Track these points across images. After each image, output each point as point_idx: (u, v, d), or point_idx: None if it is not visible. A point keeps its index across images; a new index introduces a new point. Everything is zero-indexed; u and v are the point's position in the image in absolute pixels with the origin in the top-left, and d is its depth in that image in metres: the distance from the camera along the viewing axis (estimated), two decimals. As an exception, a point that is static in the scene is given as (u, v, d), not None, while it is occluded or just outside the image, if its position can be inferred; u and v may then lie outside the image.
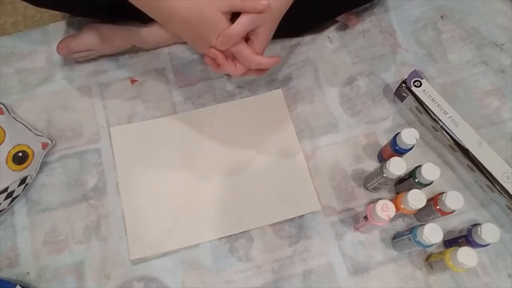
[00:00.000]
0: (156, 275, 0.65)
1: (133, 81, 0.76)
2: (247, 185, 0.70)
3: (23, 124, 0.69)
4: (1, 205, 0.64)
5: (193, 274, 0.65)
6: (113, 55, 0.77)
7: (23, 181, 0.66)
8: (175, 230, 0.67)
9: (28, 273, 0.64)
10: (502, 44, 0.82)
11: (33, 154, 0.67)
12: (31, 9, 0.81)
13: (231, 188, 0.70)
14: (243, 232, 0.67)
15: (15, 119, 0.69)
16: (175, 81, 0.77)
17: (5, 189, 0.64)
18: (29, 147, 0.67)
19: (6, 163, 0.65)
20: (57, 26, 0.79)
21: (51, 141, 0.69)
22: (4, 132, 0.66)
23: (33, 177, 0.67)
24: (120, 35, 0.73)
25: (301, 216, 0.69)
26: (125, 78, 0.76)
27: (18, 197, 0.66)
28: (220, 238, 0.67)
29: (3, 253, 0.65)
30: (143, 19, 0.73)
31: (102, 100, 0.74)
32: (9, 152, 0.65)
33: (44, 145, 0.69)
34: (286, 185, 0.70)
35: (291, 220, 0.69)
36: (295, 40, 0.81)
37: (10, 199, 0.65)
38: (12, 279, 0.63)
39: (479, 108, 0.77)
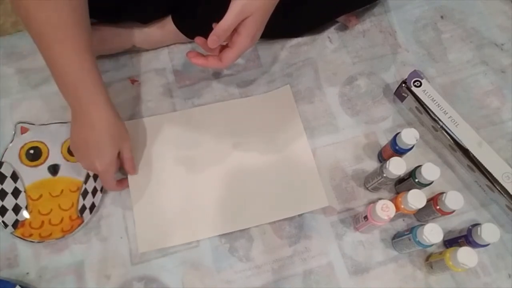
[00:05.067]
0: (156, 275, 0.65)
1: (133, 81, 0.76)
2: (255, 181, 0.70)
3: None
4: (98, 190, 0.68)
5: (193, 274, 0.65)
6: (113, 55, 0.77)
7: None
8: (183, 224, 0.67)
9: (28, 273, 0.64)
10: (502, 44, 0.82)
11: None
12: (31, 9, 0.80)
13: (240, 184, 0.70)
14: (243, 232, 0.67)
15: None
16: (175, 81, 0.77)
17: (88, 175, 0.69)
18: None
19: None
20: (57, 26, 0.79)
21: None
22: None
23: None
24: (120, 35, 0.73)
25: (301, 216, 0.69)
26: (125, 78, 0.76)
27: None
28: (221, 239, 0.67)
29: (2, 253, 0.65)
30: (143, 19, 0.73)
31: (102, 100, 0.74)
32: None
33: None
34: (294, 181, 0.70)
35: (291, 220, 0.69)
36: (295, 40, 0.81)
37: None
38: (12, 279, 0.63)
39: (479, 108, 0.77)
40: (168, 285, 0.64)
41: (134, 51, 0.77)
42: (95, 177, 0.68)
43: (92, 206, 0.66)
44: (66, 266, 0.65)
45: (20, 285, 0.61)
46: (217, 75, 0.78)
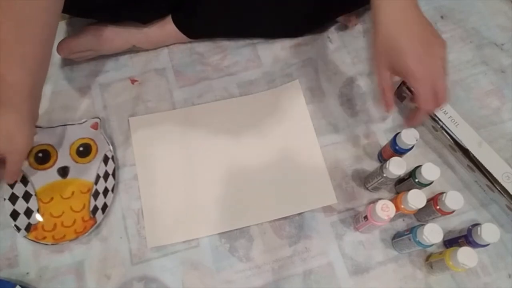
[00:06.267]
0: (156, 275, 0.65)
1: (133, 81, 0.76)
2: (263, 177, 0.70)
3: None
4: (109, 190, 0.67)
5: (193, 274, 0.65)
6: (113, 55, 0.77)
7: (105, 159, 0.69)
8: (191, 220, 0.67)
9: (28, 273, 0.64)
10: (502, 44, 0.82)
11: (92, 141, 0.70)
12: (31, 9, 0.80)
13: (247, 180, 0.70)
14: (243, 232, 0.67)
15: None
16: (175, 81, 0.77)
17: (98, 176, 0.68)
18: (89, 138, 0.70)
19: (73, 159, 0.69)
20: (57, 26, 0.79)
21: (99, 118, 0.71)
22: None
23: (110, 149, 0.69)
24: (120, 35, 0.73)
25: (301, 216, 0.69)
26: (125, 78, 0.76)
27: (115, 169, 0.68)
28: (220, 238, 0.67)
29: (2, 253, 0.65)
30: (143, 19, 0.73)
31: (102, 100, 0.74)
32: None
33: (94, 126, 0.70)
34: (302, 177, 0.70)
35: (291, 220, 0.69)
36: (295, 40, 0.81)
37: (111, 177, 0.68)
38: (12, 279, 0.63)
39: (479, 108, 0.77)
40: (168, 285, 0.64)
41: (134, 51, 0.77)
42: (105, 177, 0.68)
43: (104, 207, 0.66)
44: (66, 266, 0.65)
45: (20, 285, 0.61)
46: (217, 75, 0.78)
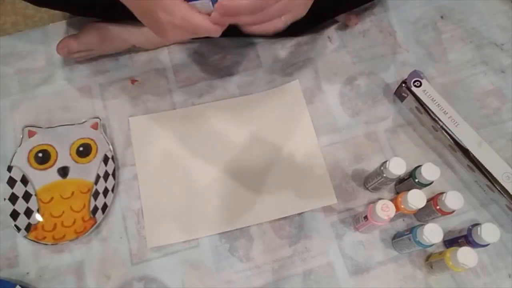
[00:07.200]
0: (156, 275, 0.65)
1: (133, 81, 0.76)
2: (263, 177, 0.70)
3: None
4: (109, 190, 0.68)
5: (193, 274, 0.65)
6: (113, 55, 0.77)
7: (105, 159, 0.69)
8: (191, 220, 0.67)
9: (28, 273, 0.64)
10: (502, 44, 0.82)
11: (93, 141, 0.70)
12: (31, 9, 0.81)
13: (247, 180, 0.70)
14: (243, 232, 0.67)
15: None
16: (175, 81, 0.77)
17: (98, 176, 0.68)
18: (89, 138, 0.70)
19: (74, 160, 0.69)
20: (57, 26, 0.79)
21: (99, 118, 0.71)
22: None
23: (110, 149, 0.69)
24: (120, 35, 0.73)
25: (301, 216, 0.69)
26: (125, 78, 0.76)
27: (115, 169, 0.69)
28: (220, 238, 0.67)
29: (2, 253, 0.65)
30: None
31: (102, 100, 0.74)
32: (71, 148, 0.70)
33: (94, 126, 0.71)
34: (302, 178, 0.70)
35: (291, 220, 0.69)
36: (295, 40, 0.81)
37: (111, 177, 0.68)
38: (12, 279, 0.63)
39: (479, 108, 0.77)
40: (168, 285, 0.64)
41: (134, 51, 0.77)
42: (105, 177, 0.68)
43: (104, 207, 0.66)
44: (66, 266, 0.65)
45: (20, 285, 0.61)
46: (217, 75, 0.78)
